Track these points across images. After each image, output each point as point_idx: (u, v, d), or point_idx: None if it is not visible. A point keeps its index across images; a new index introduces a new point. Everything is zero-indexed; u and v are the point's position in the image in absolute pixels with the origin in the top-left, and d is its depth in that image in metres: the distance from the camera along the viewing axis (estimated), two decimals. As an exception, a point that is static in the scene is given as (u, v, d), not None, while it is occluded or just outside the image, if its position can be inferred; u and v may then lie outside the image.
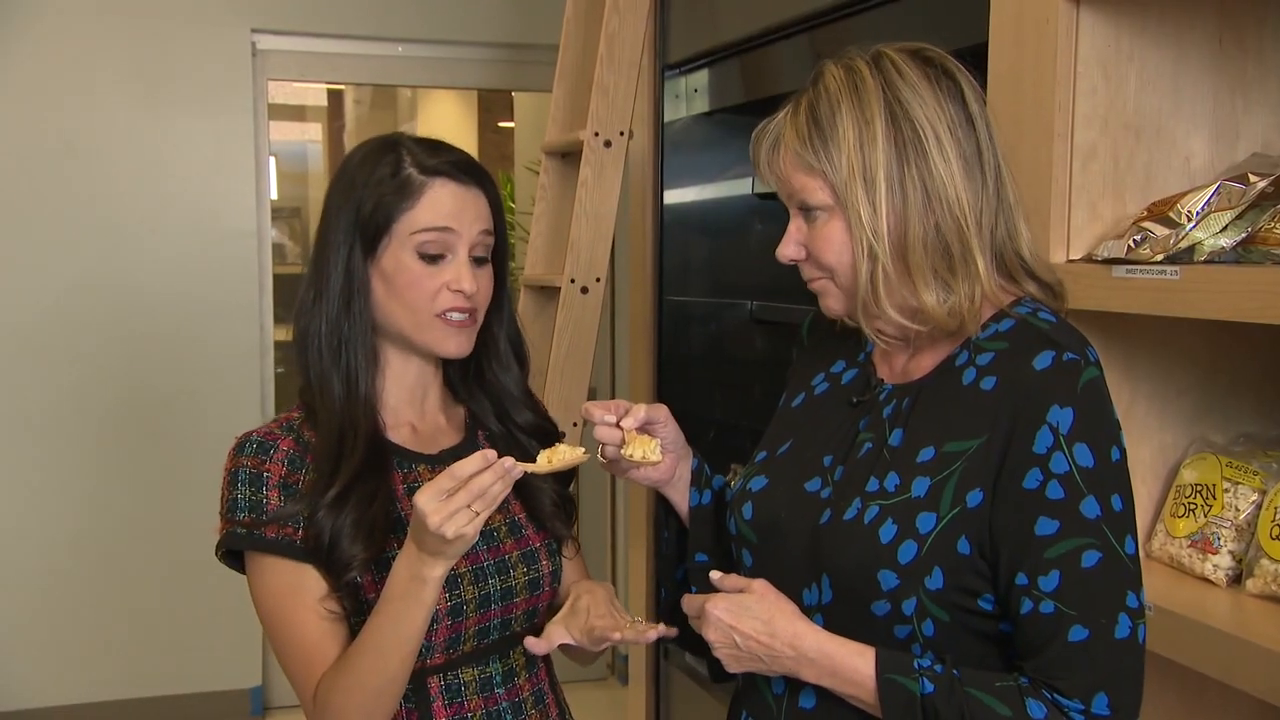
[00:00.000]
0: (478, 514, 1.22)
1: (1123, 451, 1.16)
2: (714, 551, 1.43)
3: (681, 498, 1.44)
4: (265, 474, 1.37)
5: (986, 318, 1.23)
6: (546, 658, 1.53)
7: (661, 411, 1.38)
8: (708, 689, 2.75)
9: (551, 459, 1.33)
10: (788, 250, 1.28)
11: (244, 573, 1.42)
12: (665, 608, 1.48)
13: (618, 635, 1.36)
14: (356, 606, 1.36)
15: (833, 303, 1.28)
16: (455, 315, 1.40)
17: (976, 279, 1.20)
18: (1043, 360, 1.15)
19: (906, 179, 1.19)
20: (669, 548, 1.47)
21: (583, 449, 1.34)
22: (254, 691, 4.10)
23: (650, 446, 1.33)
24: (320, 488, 1.36)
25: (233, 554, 1.41)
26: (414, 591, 1.27)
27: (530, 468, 1.31)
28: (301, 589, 1.36)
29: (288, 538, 1.35)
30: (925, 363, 1.27)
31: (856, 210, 1.20)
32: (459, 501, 1.21)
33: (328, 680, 1.34)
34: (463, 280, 1.39)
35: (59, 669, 3.90)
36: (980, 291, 1.21)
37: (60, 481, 3.88)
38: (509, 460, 1.23)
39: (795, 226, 1.27)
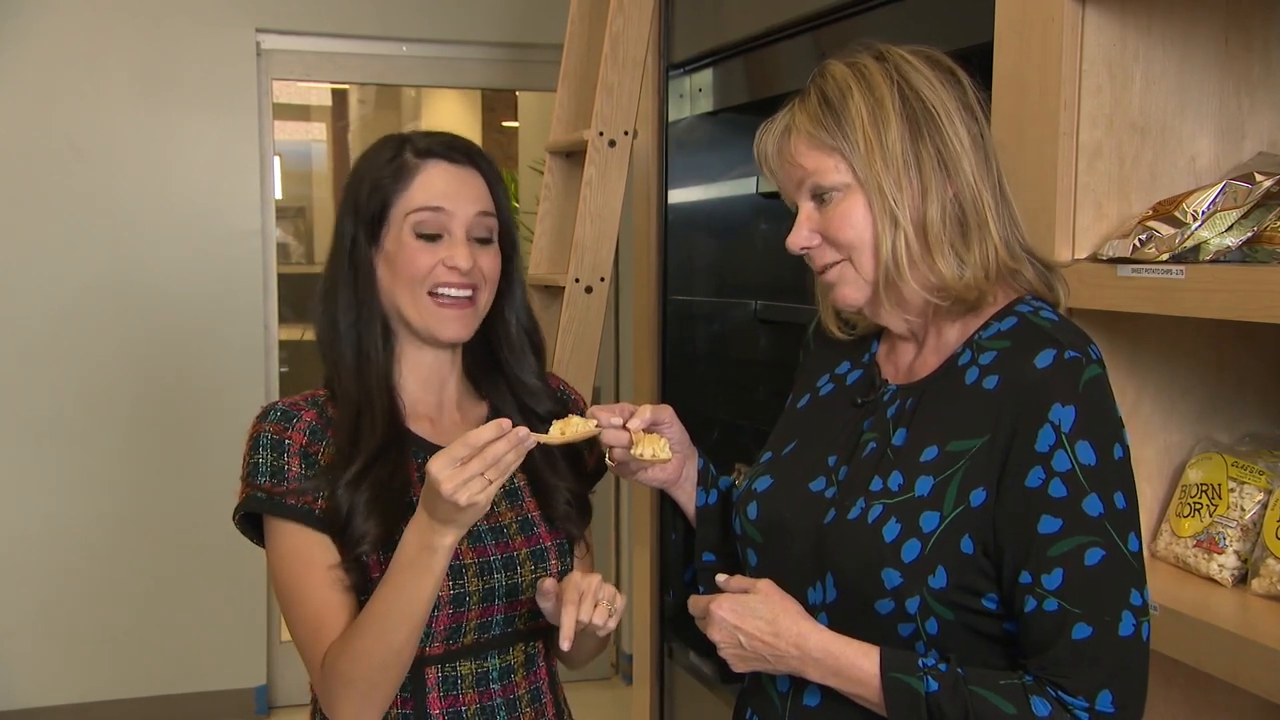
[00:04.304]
0: (490, 482, 1.23)
1: (1125, 449, 1.16)
2: (721, 551, 1.43)
3: (688, 498, 1.44)
4: (287, 441, 1.40)
5: (1001, 304, 1.24)
6: (549, 657, 1.53)
7: (666, 412, 1.38)
8: (712, 688, 2.75)
9: (565, 430, 1.33)
10: (799, 238, 1.27)
11: (256, 541, 1.45)
12: (674, 609, 1.49)
13: (571, 610, 1.31)
14: (363, 584, 1.37)
15: (850, 290, 1.26)
16: (453, 292, 1.42)
17: (990, 247, 1.21)
18: (1044, 359, 1.15)
19: (922, 151, 1.20)
20: (677, 549, 1.48)
21: (595, 421, 1.34)
22: (258, 690, 4.10)
23: (660, 445, 1.34)
24: (340, 465, 1.38)
25: (248, 521, 1.43)
26: (423, 560, 1.28)
27: (543, 439, 1.31)
28: (316, 557, 1.37)
29: (306, 505, 1.37)
30: (929, 363, 1.27)
31: (877, 184, 1.20)
32: (473, 469, 1.21)
33: (335, 648, 1.35)
34: (457, 257, 1.41)
35: (63, 668, 3.91)
36: (995, 260, 1.21)
37: (62, 481, 3.88)
38: (523, 429, 1.24)
39: (805, 214, 1.26)
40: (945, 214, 1.20)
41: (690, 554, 1.47)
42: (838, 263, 1.26)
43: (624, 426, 1.34)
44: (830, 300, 1.31)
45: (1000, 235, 1.22)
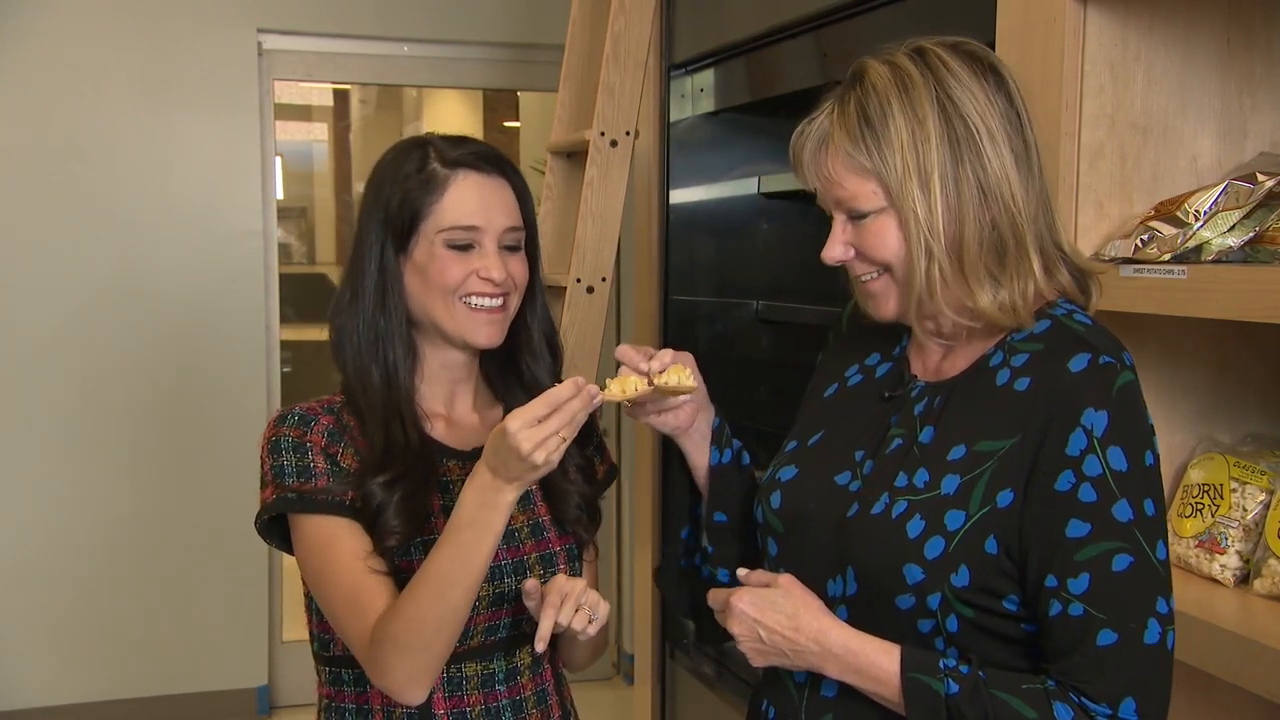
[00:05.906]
0: (564, 440, 1.24)
1: (1156, 456, 1.15)
2: (733, 513, 1.42)
3: (698, 450, 1.42)
4: (308, 443, 1.40)
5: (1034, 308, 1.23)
6: (555, 659, 1.53)
7: (689, 359, 1.37)
8: (713, 688, 2.75)
9: (624, 388, 1.31)
10: (834, 252, 1.26)
11: (279, 545, 1.44)
12: (666, 572, 1.49)
13: (551, 613, 1.32)
14: (392, 570, 1.38)
15: (891, 303, 1.25)
16: (486, 301, 1.43)
17: (1030, 275, 1.20)
18: (1078, 363, 1.15)
19: (961, 177, 1.18)
20: (680, 505, 1.47)
21: (647, 379, 1.33)
22: (260, 690, 4.10)
23: (684, 374, 1.32)
24: (370, 471, 1.38)
25: (270, 526, 1.42)
26: (484, 518, 1.28)
27: (607, 396, 1.30)
28: (349, 541, 1.37)
29: (338, 499, 1.38)
30: (959, 362, 1.27)
31: (913, 210, 1.18)
32: (550, 427, 1.22)
33: (387, 615, 1.33)
34: (491, 269, 1.42)
35: (63, 668, 3.91)
36: (1034, 287, 1.20)
37: (63, 481, 3.88)
38: (594, 387, 1.25)
39: (840, 228, 1.25)
40: (982, 240, 1.19)
41: (692, 517, 1.46)
42: (876, 275, 1.25)
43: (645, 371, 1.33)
44: (869, 308, 1.30)
45: (1041, 265, 1.20)
